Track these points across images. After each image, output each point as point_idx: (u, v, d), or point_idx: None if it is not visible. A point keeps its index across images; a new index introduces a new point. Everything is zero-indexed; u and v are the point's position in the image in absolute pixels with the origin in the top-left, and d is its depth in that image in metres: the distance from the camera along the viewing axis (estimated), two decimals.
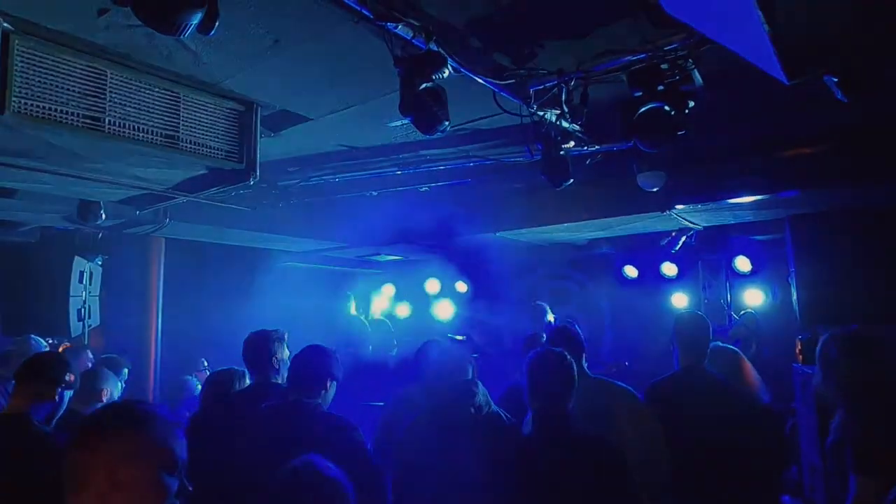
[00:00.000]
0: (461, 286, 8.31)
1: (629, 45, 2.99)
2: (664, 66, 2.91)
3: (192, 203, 4.65)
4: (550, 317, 5.40)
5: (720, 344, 4.31)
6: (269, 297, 6.93)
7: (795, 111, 3.94)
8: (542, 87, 3.32)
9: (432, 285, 8.70)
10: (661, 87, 2.85)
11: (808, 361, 4.11)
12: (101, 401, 3.49)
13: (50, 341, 5.79)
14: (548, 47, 3.12)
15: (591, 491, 2.31)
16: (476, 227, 6.22)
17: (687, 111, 2.95)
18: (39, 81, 2.85)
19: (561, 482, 2.32)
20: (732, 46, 1.97)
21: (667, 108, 2.90)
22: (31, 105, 2.82)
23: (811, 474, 4.04)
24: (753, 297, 6.54)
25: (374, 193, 5.73)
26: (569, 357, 2.67)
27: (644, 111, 2.87)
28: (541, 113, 3.47)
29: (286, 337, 3.40)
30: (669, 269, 6.69)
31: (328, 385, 2.84)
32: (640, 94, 2.90)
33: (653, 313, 6.80)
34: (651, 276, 6.83)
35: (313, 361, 2.85)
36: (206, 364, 6.23)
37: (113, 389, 3.69)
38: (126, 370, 4.30)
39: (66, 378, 2.84)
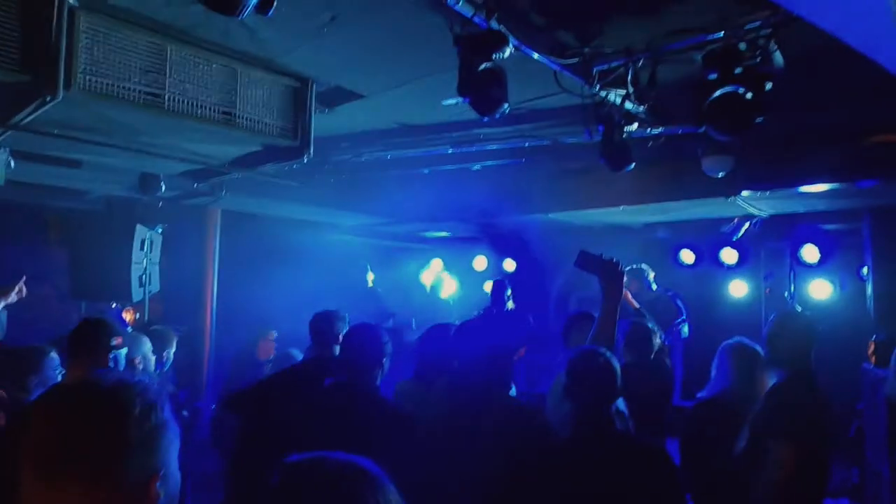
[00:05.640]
0: (509, 265, 8.22)
1: (704, 23, 2.78)
2: (742, 47, 2.70)
3: (248, 177, 4.71)
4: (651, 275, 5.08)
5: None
6: (320, 269, 7.02)
7: (879, 99, 3.62)
8: (607, 66, 3.15)
9: (480, 262, 8.64)
10: (738, 70, 2.65)
11: (881, 363, 3.86)
12: (136, 368, 3.47)
13: (114, 306, 6.06)
14: (615, 24, 2.95)
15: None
16: (527, 208, 6.09)
17: (763, 96, 2.74)
18: (103, 58, 2.88)
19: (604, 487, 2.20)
20: (829, 26, 1.79)
21: (743, 92, 2.70)
22: (96, 81, 2.87)
23: (875, 481, 3.84)
24: (819, 290, 6.20)
25: (426, 171, 5.67)
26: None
27: (718, 96, 2.68)
28: (603, 94, 3.30)
29: (347, 317, 3.45)
30: (729, 255, 6.40)
31: (384, 363, 2.85)
32: (715, 76, 2.71)
33: (709, 302, 6.55)
34: (709, 262, 6.56)
35: (368, 340, 2.84)
36: (275, 335, 6.29)
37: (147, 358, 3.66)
38: (174, 343, 4.32)
39: (114, 342, 2.83)
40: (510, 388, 2.69)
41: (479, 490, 2.21)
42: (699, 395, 3.42)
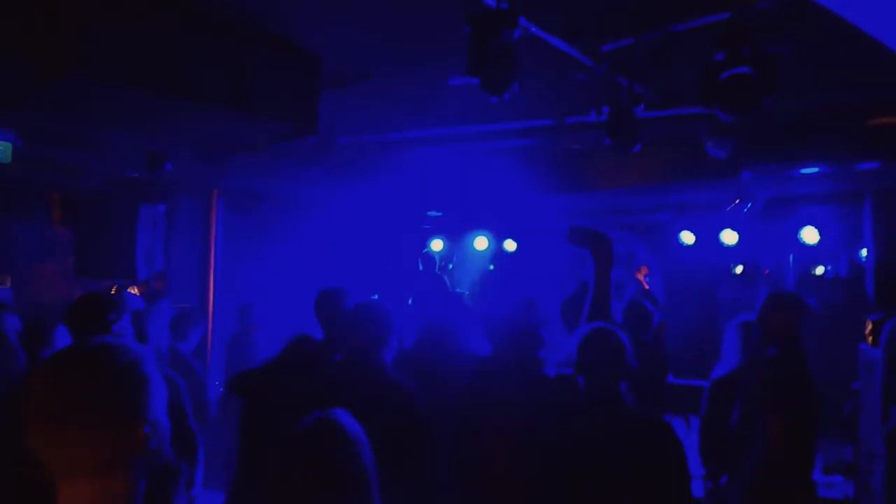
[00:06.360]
0: (510, 244, 8.26)
1: (714, 3, 2.80)
2: (751, 27, 2.72)
3: (252, 155, 4.72)
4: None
5: None
6: (322, 248, 7.06)
7: (882, 80, 3.64)
8: (615, 47, 3.16)
9: (481, 242, 8.69)
10: (747, 50, 2.66)
11: (878, 343, 3.93)
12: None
13: (114, 290, 6.08)
14: (624, 4, 2.95)
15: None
16: (531, 188, 6.12)
17: (771, 76, 2.76)
18: (114, 35, 2.88)
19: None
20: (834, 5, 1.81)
21: (751, 72, 2.72)
22: (105, 59, 2.87)
23: (869, 459, 3.94)
24: (818, 270, 6.27)
25: (430, 151, 5.69)
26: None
27: (726, 76, 2.70)
28: (611, 74, 3.32)
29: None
30: (729, 237, 6.45)
31: (390, 340, 2.86)
32: (724, 56, 2.72)
33: (709, 283, 6.62)
34: (709, 243, 6.60)
35: (375, 317, 2.85)
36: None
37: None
38: (199, 325, 4.30)
39: (112, 317, 2.66)
40: (541, 363, 2.73)
41: (517, 466, 2.28)
42: (713, 374, 3.49)
